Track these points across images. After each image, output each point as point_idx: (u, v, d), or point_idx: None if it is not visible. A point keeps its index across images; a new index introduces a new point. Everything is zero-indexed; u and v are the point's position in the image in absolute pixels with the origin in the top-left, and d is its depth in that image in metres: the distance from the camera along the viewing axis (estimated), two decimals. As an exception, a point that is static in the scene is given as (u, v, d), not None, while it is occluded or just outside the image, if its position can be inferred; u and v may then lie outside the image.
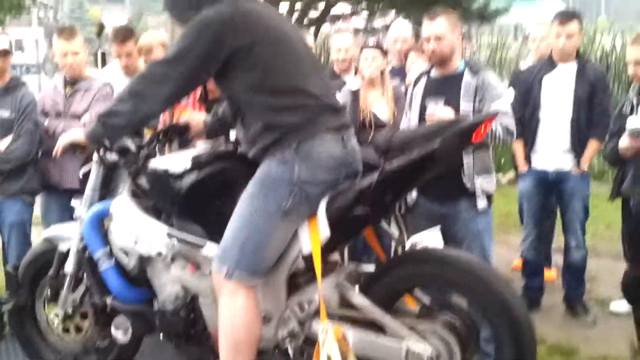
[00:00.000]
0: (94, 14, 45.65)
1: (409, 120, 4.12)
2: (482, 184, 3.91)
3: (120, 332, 3.52)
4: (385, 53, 4.99)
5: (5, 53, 4.59)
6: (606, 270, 5.85)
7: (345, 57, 5.47)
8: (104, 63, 12.11)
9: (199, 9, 3.05)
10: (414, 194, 3.94)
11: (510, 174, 8.69)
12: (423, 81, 4.11)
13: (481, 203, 3.92)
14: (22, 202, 4.65)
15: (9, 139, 4.50)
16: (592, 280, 5.63)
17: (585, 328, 4.86)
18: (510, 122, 3.86)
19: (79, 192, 3.76)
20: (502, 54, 11.62)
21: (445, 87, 3.96)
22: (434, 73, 4.09)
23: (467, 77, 3.91)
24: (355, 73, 5.29)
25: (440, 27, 3.93)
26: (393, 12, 12.09)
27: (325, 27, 13.29)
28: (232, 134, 3.68)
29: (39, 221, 4.98)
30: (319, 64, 3.31)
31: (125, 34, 5.17)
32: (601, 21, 18.99)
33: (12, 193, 4.59)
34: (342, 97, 4.79)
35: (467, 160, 3.85)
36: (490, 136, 3.75)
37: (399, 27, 6.02)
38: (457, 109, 3.83)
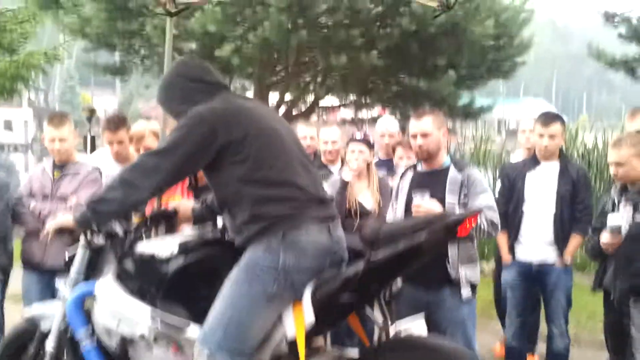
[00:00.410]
0: (85, 97, 46.09)
1: (395, 211, 4.20)
2: (467, 273, 3.96)
3: (100, 414, 3.45)
4: (371, 146, 5.09)
5: None
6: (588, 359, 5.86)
7: (332, 149, 5.62)
8: (93, 147, 12.20)
9: (191, 104, 3.15)
10: (399, 282, 3.98)
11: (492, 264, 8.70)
12: (409, 174, 4.23)
13: (465, 292, 3.97)
14: None
15: None
16: (575, 370, 5.60)
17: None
18: (495, 216, 3.94)
19: (62, 271, 3.77)
20: (486, 147, 11.82)
21: (431, 180, 4.07)
22: (420, 167, 4.21)
23: (453, 173, 4.03)
24: (342, 164, 5.38)
25: (426, 125, 4.07)
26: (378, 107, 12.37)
27: (313, 118, 13.53)
28: (220, 221, 3.74)
29: (18, 298, 4.94)
30: (307, 157, 3.40)
31: (118, 123, 5.21)
32: (583, 119, 19.41)
33: None
34: (331, 185, 4.87)
35: (452, 250, 3.91)
36: (475, 229, 3.83)
37: (385, 123, 6.17)
38: (442, 202, 3.92)
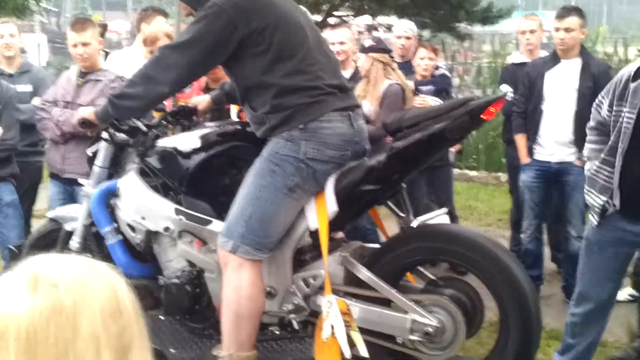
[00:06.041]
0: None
1: None
2: None
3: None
4: (385, 51, 4.98)
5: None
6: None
7: (340, 49, 5.24)
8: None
9: None
10: None
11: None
12: None
13: None
14: (12, 184, 4.80)
15: None
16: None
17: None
18: None
19: (79, 183, 3.83)
20: (504, 61, 11.71)
21: None
22: None
23: None
24: (355, 70, 5.28)
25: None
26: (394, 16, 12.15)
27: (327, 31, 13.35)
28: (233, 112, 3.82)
29: (41, 213, 5.02)
30: (326, 46, 3.33)
31: (154, 12, 5.26)
32: (603, 29, 19.00)
33: (4, 176, 4.74)
34: None
35: None
36: None
37: (403, 25, 6.04)
38: None
